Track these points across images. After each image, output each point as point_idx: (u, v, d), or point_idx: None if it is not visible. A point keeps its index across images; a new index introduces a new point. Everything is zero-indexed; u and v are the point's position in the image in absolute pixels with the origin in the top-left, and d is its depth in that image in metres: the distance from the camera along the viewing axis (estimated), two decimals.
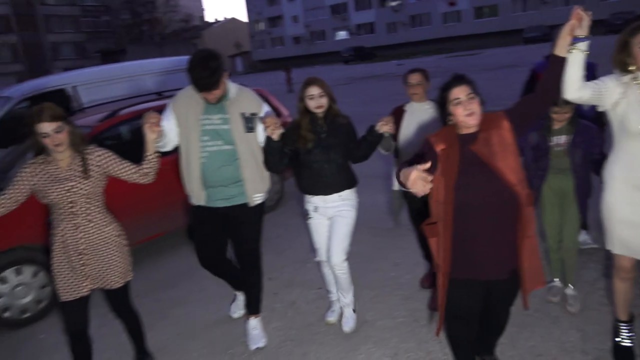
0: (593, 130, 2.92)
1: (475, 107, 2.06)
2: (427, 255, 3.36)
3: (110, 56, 48.29)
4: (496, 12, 44.21)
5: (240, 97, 2.91)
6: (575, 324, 2.91)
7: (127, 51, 46.26)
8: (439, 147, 2.12)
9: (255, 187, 2.95)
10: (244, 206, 2.95)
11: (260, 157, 2.96)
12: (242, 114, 2.86)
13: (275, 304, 3.63)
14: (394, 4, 50.05)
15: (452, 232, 2.09)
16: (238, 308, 3.47)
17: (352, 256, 3.19)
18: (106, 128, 4.22)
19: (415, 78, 3.23)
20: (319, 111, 2.89)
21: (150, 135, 2.56)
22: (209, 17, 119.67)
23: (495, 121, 2.10)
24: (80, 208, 2.43)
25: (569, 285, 3.15)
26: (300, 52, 57.15)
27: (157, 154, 2.62)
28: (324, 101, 2.87)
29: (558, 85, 2.17)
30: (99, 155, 2.51)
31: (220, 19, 51.63)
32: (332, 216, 3.05)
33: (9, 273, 3.64)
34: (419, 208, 3.12)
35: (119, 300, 2.69)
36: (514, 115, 2.12)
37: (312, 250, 3.36)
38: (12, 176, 2.65)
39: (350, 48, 45.80)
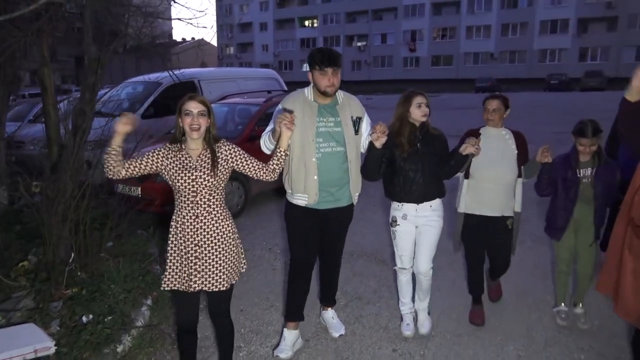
0: (614, 167, 3.10)
1: None
2: (473, 288, 3.49)
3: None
4: (451, 62, 49.59)
5: (349, 101, 3.05)
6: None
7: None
8: None
9: (357, 187, 3.08)
10: (345, 207, 3.09)
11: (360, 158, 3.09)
12: (351, 117, 2.97)
13: None
14: (360, 44, 54.58)
15: None
16: (287, 347, 3.12)
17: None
18: (268, 107, 6.66)
19: (493, 104, 3.18)
20: (424, 119, 3.00)
21: (286, 133, 2.59)
22: (177, 36, 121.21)
23: None
24: (202, 198, 2.44)
25: (579, 305, 3.36)
26: None
27: (287, 152, 2.65)
28: (428, 111, 3.00)
29: None
30: (227, 150, 2.54)
31: (189, 39, 53.70)
32: (421, 225, 3.14)
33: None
34: (481, 237, 3.31)
35: (220, 303, 2.60)
36: None
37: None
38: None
39: None
